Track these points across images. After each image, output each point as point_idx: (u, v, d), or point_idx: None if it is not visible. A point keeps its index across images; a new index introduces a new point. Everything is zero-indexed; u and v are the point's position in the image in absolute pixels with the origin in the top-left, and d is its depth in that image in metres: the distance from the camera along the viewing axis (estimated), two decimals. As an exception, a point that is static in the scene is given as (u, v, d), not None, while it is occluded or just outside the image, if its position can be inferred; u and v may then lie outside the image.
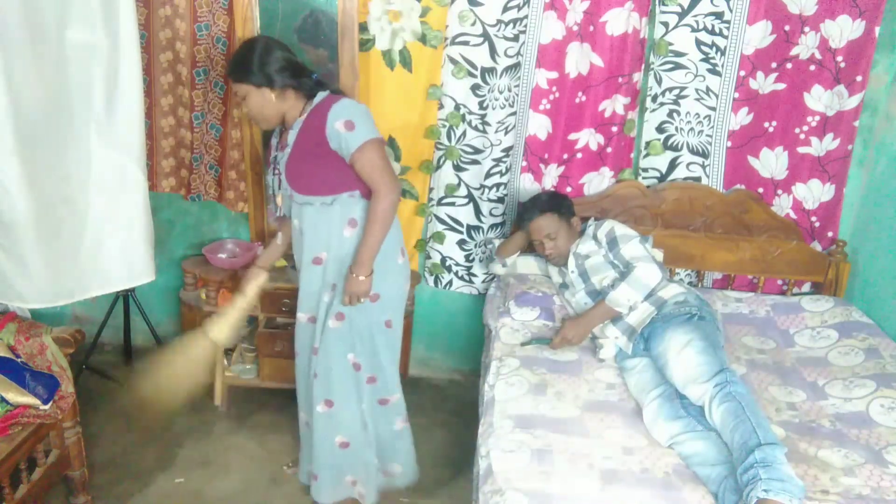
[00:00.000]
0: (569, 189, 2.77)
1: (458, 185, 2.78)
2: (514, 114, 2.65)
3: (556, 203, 2.48)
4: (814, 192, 2.67)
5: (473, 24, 2.52)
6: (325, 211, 2.02)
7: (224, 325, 2.22)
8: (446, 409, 2.97)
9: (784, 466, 1.62)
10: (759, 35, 2.49)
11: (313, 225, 2.05)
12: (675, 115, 2.66)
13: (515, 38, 2.53)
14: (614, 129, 2.68)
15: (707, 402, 1.86)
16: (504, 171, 2.73)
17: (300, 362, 2.28)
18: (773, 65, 2.54)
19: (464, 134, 2.69)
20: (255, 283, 2.27)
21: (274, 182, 2.16)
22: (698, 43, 2.54)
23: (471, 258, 2.90)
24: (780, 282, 2.78)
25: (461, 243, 2.88)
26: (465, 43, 2.56)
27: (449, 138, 2.73)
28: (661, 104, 2.66)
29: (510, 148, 2.70)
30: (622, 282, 2.23)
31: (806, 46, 2.50)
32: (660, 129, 2.70)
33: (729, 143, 2.66)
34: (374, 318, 2.10)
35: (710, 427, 1.85)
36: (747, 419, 1.75)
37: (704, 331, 2.08)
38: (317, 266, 2.09)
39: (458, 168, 2.76)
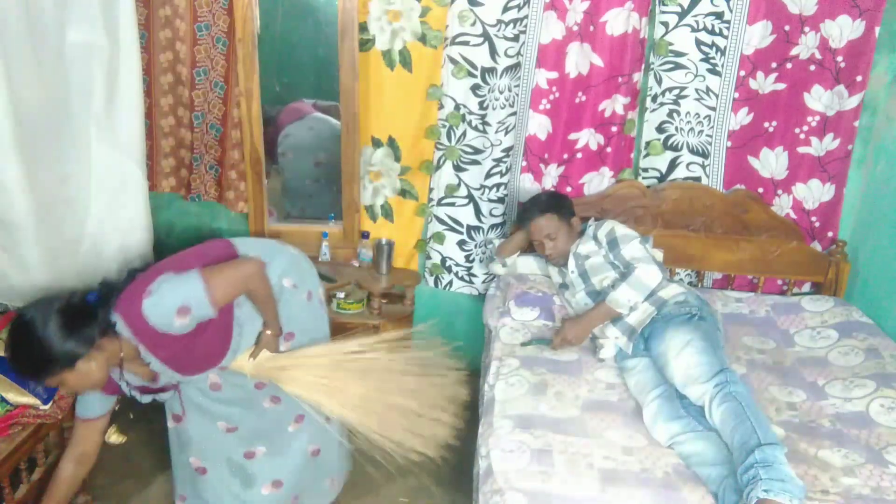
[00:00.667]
0: (569, 189, 2.77)
1: (459, 185, 2.78)
2: (514, 114, 2.65)
3: (557, 203, 2.48)
4: (814, 192, 2.67)
5: (473, 24, 2.52)
6: (242, 344, 1.84)
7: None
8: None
9: (784, 466, 1.62)
10: (759, 35, 2.49)
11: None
12: (675, 115, 2.66)
13: (515, 38, 2.53)
14: (614, 129, 2.68)
15: (707, 402, 1.86)
16: (504, 171, 2.73)
17: None
18: (773, 65, 2.54)
19: (464, 134, 2.69)
20: None
21: (145, 399, 1.86)
22: (698, 43, 2.54)
23: (471, 258, 2.90)
24: (780, 282, 2.78)
25: (461, 244, 2.88)
26: (465, 43, 2.56)
27: (449, 138, 2.73)
28: (661, 104, 2.66)
29: (510, 148, 2.70)
30: (623, 282, 2.23)
31: (806, 46, 2.50)
32: (660, 129, 2.70)
33: (729, 143, 2.66)
34: None
35: (709, 427, 1.85)
36: (747, 419, 1.75)
37: (704, 331, 2.08)
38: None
39: (458, 168, 2.76)
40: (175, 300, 1.59)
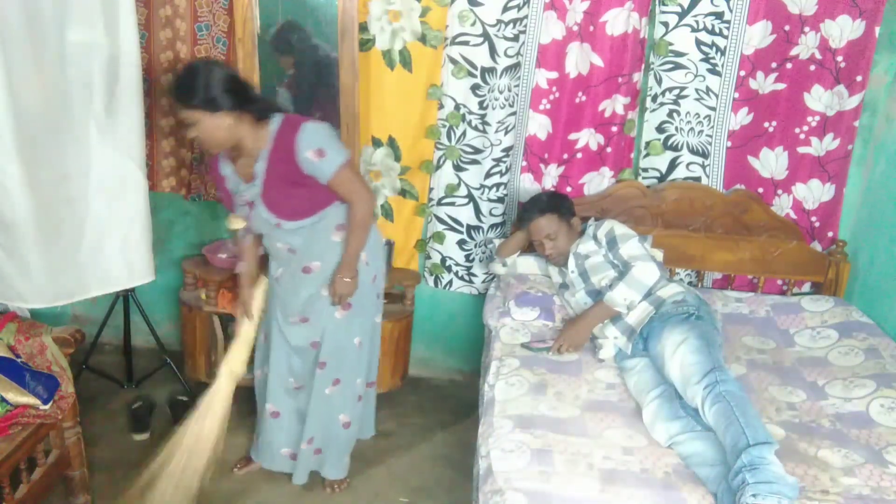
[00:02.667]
0: (569, 189, 2.77)
1: (459, 185, 2.78)
2: (514, 114, 2.65)
3: (557, 203, 2.48)
4: (814, 192, 2.67)
5: (473, 24, 2.52)
6: (316, 228, 2.09)
7: (240, 357, 2.29)
8: (446, 409, 2.97)
9: (772, 466, 1.61)
10: (759, 35, 2.49)
11: (307, 244, 2.12)
12: (675, 115, 2.66)
13: (515, 38, 2.53)
14: (614, 129, 2.68)
15: (699, 403, 1.86)
16: (504, 171, 2.73)
17: (278, 358, 2.33)
18: (773, 65, 2.54)
19: (464, 134, 2.69)
20: (256, 303, 2.30)
21: (242, 212, 2.15)
22: (698, 43, 2.54)
23: (471, 258, 2.90)
24: (780, 282, 2.78)
25: (461, 243, 2.88)
26: (465, 43, 2.56)
27: (449, 138, 2.73)
28: (661, 104, 2.66)
29: (510, 148, 2.70)
30: (620, 281, 2.23)
31: (806, 46, 2.50)
32: (660, 129, 2.70)
33: (729, 143, 2.66)
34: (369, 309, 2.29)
35: (708, 427, 1.85)
36: (736, 420, 1.74)
37: (700, 329, 2.07)
38: (306, 275, 2.16)
39: (458, 168, 2.76)
40: (322, 142, 1.95)
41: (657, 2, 2.52)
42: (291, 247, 2.13)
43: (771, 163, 2.67)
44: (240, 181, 2.09)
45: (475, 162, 2.73)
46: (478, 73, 2.58)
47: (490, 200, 2.78)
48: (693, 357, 1.96)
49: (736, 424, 1.73)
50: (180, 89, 1.90)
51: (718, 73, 2.57)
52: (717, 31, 2.52)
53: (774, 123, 2.62)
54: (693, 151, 2.69)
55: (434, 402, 3.01)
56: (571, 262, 2.43)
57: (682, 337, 2.03)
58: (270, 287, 2.30)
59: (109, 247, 2.26)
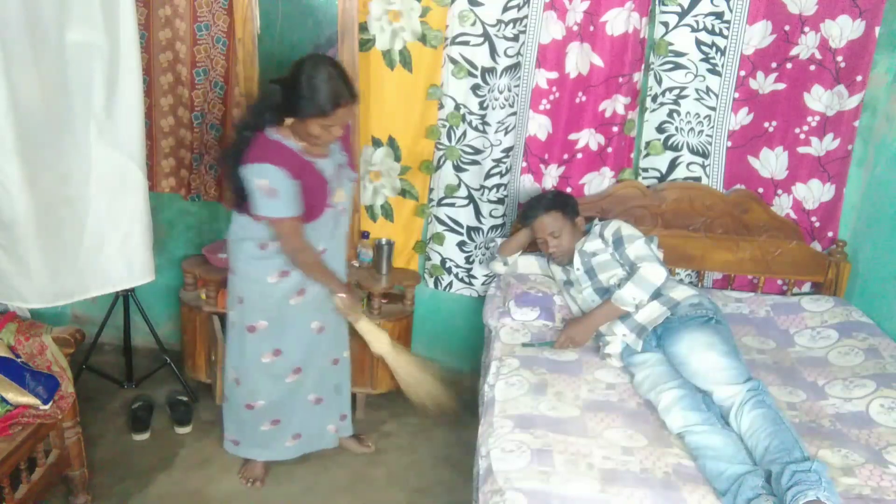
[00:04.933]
0: (569, 189, 2.77)
1: (459, 185, 2.78)
2: (514, 114, 2.65)
3: (561, 202, 2.49)
4: (814, 193, 2.67)
5: (473, 24, 2.52)
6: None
7: (379, 338, 2.33)
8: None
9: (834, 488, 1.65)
10: (759, 35, 2.49)
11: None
12: (675, 115, 2.66)
13: (515, 38, 2.53)
14: (615, 129, 2.68)
15: (738, 403, 1.88)
16: (504, 171, 2.73)
17: (318, 343, 2.38)
18: (773, 65, 2.54)
19: (464, 134, 2.69)
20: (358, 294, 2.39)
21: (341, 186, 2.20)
22: (698, 43, 2.54)
23: (470, 260, 2.90)
24: (780, 282, 2.78)
25: (461, 245, 2.87)
26: (466, 43, 2.56)
27: (449, 138, 2.73)
28: (661, 104, 2.66)
29: (510, 148, 2.70)
30: (628, 281, 2.23)
31: (806, 46, 2.50)
32: (660, 129, 2.70)
33: (729, 143, 2.66)
34: None
35: (728, 427, 1.87)
36: (788, 430, 1.78)
37: (724, 335, 2.12)
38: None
39: (458, 168, 2.76)
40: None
41: (657, 2, 2.52)
42: (341, 233, 2.27)
43: (771, 163, 2.67)
44: (317, 160, 2.11)
45: (475, 162, 2.73)
46: (478, 73, 2.58)
47: (490, 201, 2.78)
48: (728, 361, 2.00)
49: (787, 434, 1.76)
50: (356, 90, 2.00)
51: (718, 73, 2.57)
52: (717, 31, 2.51)
53: (775, 123, 2.62)
54: (693, 151, 2.69)
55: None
56: (577, 260, 2.43)
57: (710, 340, 2.06)
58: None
59: (109, 247, 2.26)
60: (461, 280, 2.95)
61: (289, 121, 2.00)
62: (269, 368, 2.30)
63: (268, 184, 1.98)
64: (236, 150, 2.05)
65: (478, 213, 2.81)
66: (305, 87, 1.92)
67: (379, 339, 2.31)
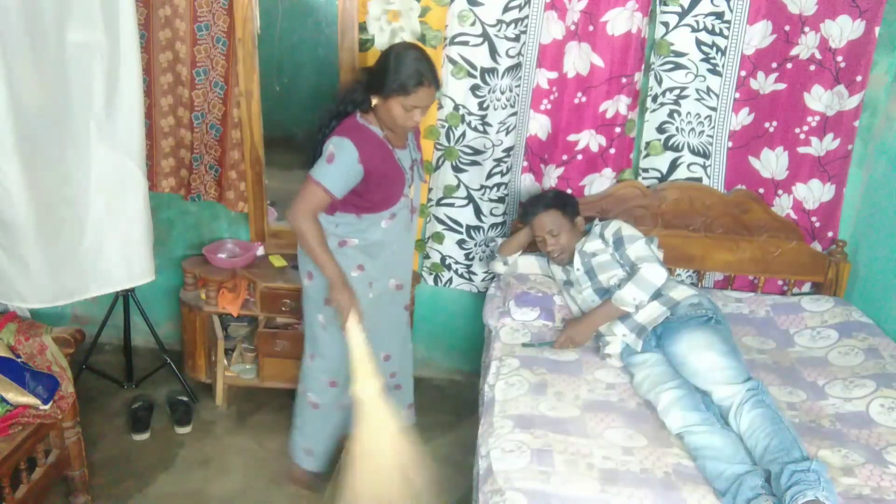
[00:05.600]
0: (569, 190, 2.77)
1: (458, 186, 2.78)
2: (514, 114, 2.65)
3: (561, 201, 2.49)
4: (814, 193, 2.67)
5: (473, 24, 2.52)
6: None
7: (365, 376, 2.09)
8: (446, 409, 2.97)
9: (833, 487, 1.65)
10: (759, 35, 2.49)
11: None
12: (675, 115, 2.66)
13: (516, 39, 2.53)
14: (617, 129, 2.67)
15: (737, 403, 1.88)
16: (505, 171, 2.73)
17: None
18: (774, 65, 2.54)
19: (463, 135, 2.69)
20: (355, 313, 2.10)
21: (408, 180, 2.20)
22: (699, 43, 2.54)
23: (470, 256, 2.90)
24: (780, 282, 2.78)
25: (461, 242, 2.87)
26: (465, 43, 2.56)
27: (448, 139, 2.72)
28: (662, 104, 2.66)
29: (511, 148, 2.70)
30: (628, 281, 2.24)
31: (806, 46, 2.50)
32: (660, 130, 2.70)
33: (730, 144, 2.66)
34: None
35: (727, 427, 1.87)
36: (787, 430, 1.78)
37: (724, 335, 2.12)
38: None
39: (457, 169, 2.75)
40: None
41: (658, 2, 2.52)
42: (417, 206, 2.28)
43: (771, 163, 2.67)
44: (397, 151, 2.14)
45: (475, 163, 2.73)
46: (477, 73, 2.58)
47: (491, 200, 2.78)
48: (727, 360, 2.00)
49: (787, 433, 1.77)
50: (439, 76, 2.05)
51: (719, 74, 2.57)
52: (718, 31, 2.51)
53: (775, 123, 2.61)
54: (694, 152, 2.69)
55: (434, 402, 3.01)
56: (577, 261, 2.43)
57: (710, 340, 2.06)
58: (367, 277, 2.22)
59: (109, 247, 2.26)
60: (461, 276, 2.95)
61: (374, 100, 2.04)
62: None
63: (333, 151, 2.00)
64: (322, 134, 2.10)
65: (478, 212, 2.81)
66: (392, 62, 1.98)
67: (365, 373, 2.07)
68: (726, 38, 2.52)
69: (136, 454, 2.61)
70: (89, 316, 3.16)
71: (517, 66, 2.59)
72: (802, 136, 2.61)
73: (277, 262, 2.89)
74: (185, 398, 2.90)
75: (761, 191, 2.71)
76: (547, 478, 1.70)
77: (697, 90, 2.61)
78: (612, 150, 2.71)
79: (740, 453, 1.78)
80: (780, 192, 2.71)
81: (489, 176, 2.72)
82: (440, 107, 2.69)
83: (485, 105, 2.63)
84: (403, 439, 2.14)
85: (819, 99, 2.55)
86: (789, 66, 2.53)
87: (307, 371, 2.36)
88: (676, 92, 2.62)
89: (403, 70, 1.96)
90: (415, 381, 3.15)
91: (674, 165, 2.73)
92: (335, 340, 2.21)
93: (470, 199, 2.79)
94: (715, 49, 2.54)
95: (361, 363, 2.08)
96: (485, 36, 2.53)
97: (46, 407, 2.09)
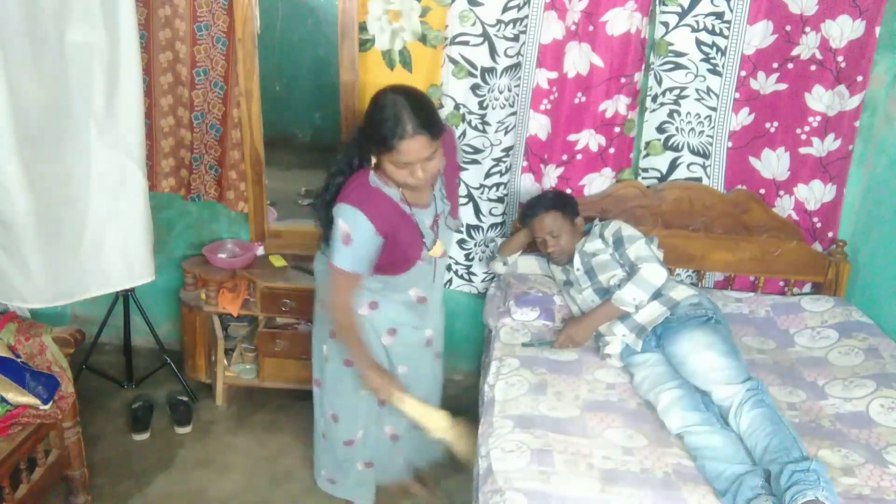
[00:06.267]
0: (569, 190, 2.77)
1: (458, 185, 2.78)
2: (514, 114, 2.65)
3: (561, 202, 2.49)
4: (815, 193, 2.67)
5: (473, 24, 2.52)
6: None
7: (433, 421, 1.94)
8: (446, 409, 2.97)
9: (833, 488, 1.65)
10: (759, 35, 2.49)
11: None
12: (675, 115, 2.66)
13: (516, 38, 2.53)
14: (616, 129, 2.67)
15: (737, 403, 1.88)
16: (504, 170, 2.73)
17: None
18: (774, 65, 2.54)
19: (464, 134, 2.69)
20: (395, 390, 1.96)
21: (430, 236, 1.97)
22: (699, 43, 2.54)
23: (470, 257, 2.90)
24: (780, 282, 2.78)
25: (461, 242, 2.87)
26: (465, 43, 2.56)
27: (449, 138, 2.72)
28: (662, 104, 2.66)
29: (510, 148, 2.70)
30: (629, 281, 2.24)
31: (807, 46, 2.50)
32: (660, 130, 2.70)
33: (730, 144, 2.66)
34: None
35: (727, 427, 1.87)
36: (787, 430, 1.78)
37: (724, 335, 2.11)
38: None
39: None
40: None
41: (657, 2, 2.52)
42: (448, 252, 2.10)
43: (772, 163, 2.67)
44: (417, 211, 1.92)
45: (475, 162, 2.73)
46: (478, 73, 2.58)
47: (490, 200, 2.78)
48: (727, 360, 1.99)
49: (786, 433, 1.76)
50: (433, 120, 1.71)
51: (719, 74, 2.57)
52: (718, 31, 2.51)
53: (776, 124, 2.61)
54: (694, 152, 2.69)
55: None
56: (577, 261, 2.43)
57: (710, 339, 2.06)
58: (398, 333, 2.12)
59: (109, 247, 2.26)
60: (461, 277, 2.95)
61: (374, 162, 1.80)
62: (366, 400, 2.14)
63: (348, 231, 1.79)
64: (328, 194, 1.90)
65: (477, 211, 2.81)
66: (371, 114, 1.73)
67: (432, 419, 1.94)
68: (726, 38, 2.52)
69: (136, 454, 2.61)
70: (89, 316, 3.16)
71: (516, 65, 2.59)
72: (804, 137, 2.61)
73: (277, 262, 2.89)
74: (185, 398, 2.90)
75: (762, 191, 2.71)
76: (547, 478, 1.70)
77: (697, 90, 2.61)
78: (612, 150, 2.71)
79: (740, 453, 1.78)
80: (781, 192, 2.70)
81: (487, 175, 2.72)
82: (440, 106, 2.69)
83: (485, 104, 2.63)
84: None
85: (820, 99, 2.55)
86: (790, 66, 2.53)
87: (315, 397, 2.27)
88: (676, 92, 2.62)
89: (381, 121, 1.68)
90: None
91: (673, 165, 2.73)
92: (337, 374, 2.12)
93: (470, 198, 2.79)
94: (715, 49, 2.54)
95: (423, 416, 1.93)
96: (485, 36, 2.53)
97: (46, 407, 2.09)
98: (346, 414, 2.18)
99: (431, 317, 2.18)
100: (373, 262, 1.87)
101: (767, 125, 2.62)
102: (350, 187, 1.83)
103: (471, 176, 2.76)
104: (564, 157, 2.74)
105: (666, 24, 2.53)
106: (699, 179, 2.72)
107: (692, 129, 2.66)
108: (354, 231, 1.79)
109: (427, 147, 1.69)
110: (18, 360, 2.13)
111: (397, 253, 1.89)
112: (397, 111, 1.67)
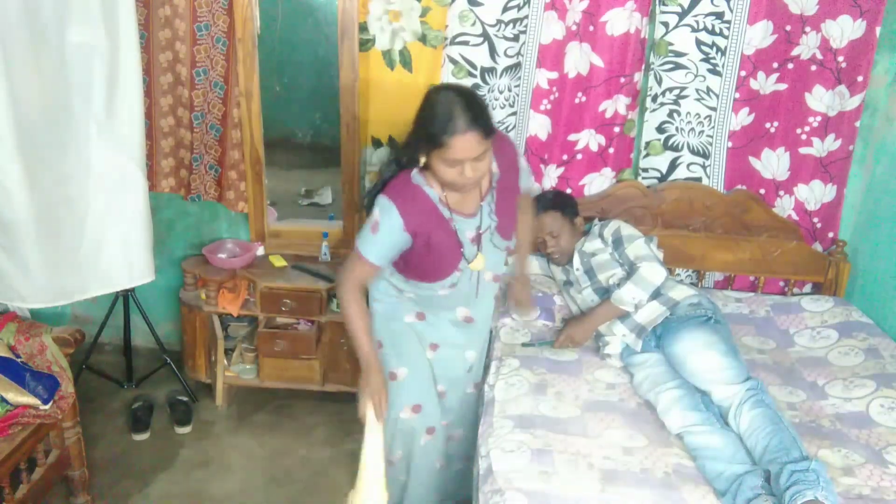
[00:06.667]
0: (569, 190, 2.77)
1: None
2: (514, 114, 2.65)
3: (561, 202, 2.49)
4: (815, 194, 2.67)
5: (473, 24, 2.52)
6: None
7: (371, 486, 1.83)
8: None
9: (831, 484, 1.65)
10: (759, 35, 2.49)
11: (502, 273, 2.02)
12: (675, 115, 2.66)
13: (516, 39, 2.53)
14: (616, 129, 2.67)
15: (737, 403, 1.88)
16: (504, 171, 2.73)
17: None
18: (775, 65, 2.54)
19: (464, 134, 2.69)
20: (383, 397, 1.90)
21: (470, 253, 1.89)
22: (698, 43, 2.54)
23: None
24: (780, 282, 2.78)
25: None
26: (465, 43, 2.56)
27: (449, 138, 2.72)
28: (662, 104, 2.66)
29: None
30: (627, 281, 2.24)
31: (807, 46, 2.50)
32: (660, 130, 2.70)
33: (730, 144, 2.66)
34: None
35: (727, 427, 1.87)
36: (787, 430, 1.78)
37: (724, 335, 2.11)
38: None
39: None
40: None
41: (657, 2, 2.52)
42: (497, 273, 1.99)
43: (772, 164, 2.67)
44: (459, 219, 1.85)
45: (475, 162, 2.72)
46: (478, 73, 2.58)
47: (490, 200, 2.77)
48: (727, 360, 1.99)
49: (786, 433, 1.76)
50: (485, 118, 1.67)
51: (719, 74, 2.57)
52: (718, 31, 2.51)
53: (776, 124, 2.61)
54: (693, 152, 2.69)
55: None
56: (577, 260, 2.43)
57: (710, 339, 2.05)
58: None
59: (109, 247, 2.26)
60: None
61: (422, 159, 1.75)
62: (405, 426, 2.03)
63: (378, 219, 1.78)
64: (375, 189, 1.86)
65: (478, 213, 2.80)
66: (423, 111, 1.71)
67: (370, 486, 1.82)
68: (726, 38, 2.52)
69: (136, 454, 2.61)
70: (89, 316, 3.16)
71: (516, 65, 2.59)
72: (804, 137, 2.61)
73: (277, 261, 2.89)
74: (185, 398, 2.90)
75: (762, 191, 2.71)
76: (547, 478, 1.70)
77: (697, 90, 2.61)
78: (612, 150, 2.71)
79: (740, 453, 1.78)
80: (781, 192, 2.70)
81: (489, 176, 2.72)
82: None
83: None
84: None
85: (820, 99, 2.55)
86: (790, 66, 2.53)
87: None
88: (676, 92, 2.62)
89: (433, 118, 1.66)
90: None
91: (673, 165, 2.73)
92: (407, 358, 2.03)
93: (470, 199, 2.79)
94: (715, 49, 2.54)
95: (369, 468, 1.82)
96: (485, 36, 2.53)
97: (46, 407, 2.09)
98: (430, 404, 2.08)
99: (476, 338, 2.13)
100: (394, 258, 1.86)
101: (767, 125, 2.62)
102: (393, 182, 1.82)
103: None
104: (564, 157, 2.74)
105: (666, 24, 2.53)
106: (699, 179, 2.72)
107: (692, 129, 2.66)
108: (383, 222, 1.78)
109: (479, 145, 1.65)
110: (18, 360, 2.13)
111: (431, 256, 1.85)
112: (450, 107, 1.64)
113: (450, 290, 1.92)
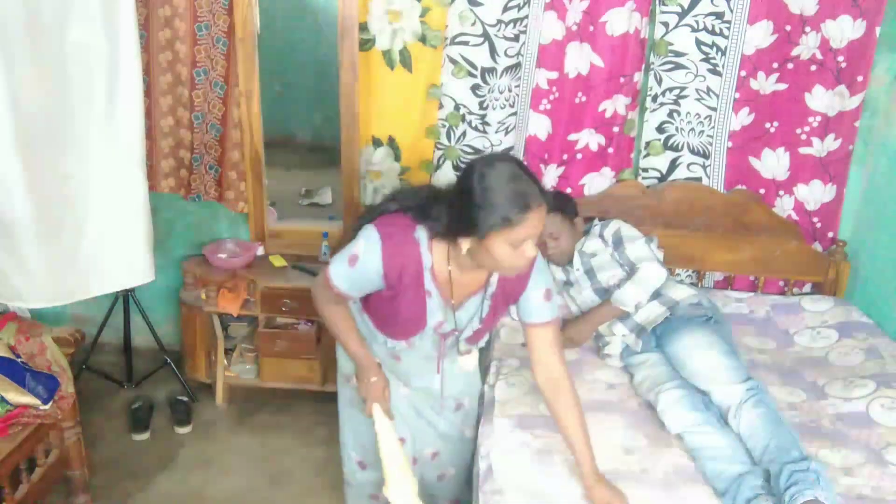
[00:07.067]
0: (569, 190, 2.77)
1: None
2: (514, 114, 2.65)
3: (561, 203, 2.48)
4: (815, 194, 2.67)
5: (473, 24, 2.52)
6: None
7: (397, 477, 1.73)
8: (446, 409, 2.97)
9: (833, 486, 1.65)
10: (759, 35, 2.49)
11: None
12: (675, 115, 2.66)
13: (516, 38, 2.53)
14: (616, 129, 2.67)
15: (737, 403, 1.88)
16: (504, 171, 2.72)
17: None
18: (775, 65, 2.54)
19: (464, 134, 2.69)
20: (385, 393, 1.81)
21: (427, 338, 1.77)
22: (698, 43, 2.54)
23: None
24: (780, 282, 2.78)
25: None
26: (465, 43, 2.56)
27: (448, 138, 2.72)
28: (662, 104, 2.66)
29: (510, 148, 2.70)
30: (628, 281, 2.23)
31: (807, 46, 2.50)
32: (660, 130, 2.70)
33: (730, 144, 2.66)
34: None
35: (727, 427, 1.87)
36: (786, 430, 1.78)
37: (724, 335, 2.11)
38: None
39: (457, 168, 2.75)
40: (550, 282, 1.75)
41: (657, 2, 2.52)
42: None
43: (772, 164, 2.67)
44: (440, 304, 1.69)
45: (475, 162, 2.72)
46: (478, 73, 2.58)
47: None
48: (728, 360, 1.99)
49: (787, 434, 1.76)
50: (558, 194, 1.61)
51: (719, 74, 2.57)
52: (718, 31, 2.51)
53: (776, 124, 2.61)
54: (693, 152, 2.69)
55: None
56: (577, 261, 2.43)
57: (710, 340, 2.05)
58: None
59: (109, 247, 2.26)
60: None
61: (465, 243, 1.52)
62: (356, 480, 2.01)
63: (359, 254, 1.61)
64: (372, 214, 1.71)
65: (478, 212, 2.80)
66: (479, 192, 1.46)
67: (399, 475, 1.72)
68: (726, 38, 2.52)
69: (136, 454, 2.61)
70: (89, 316, 3.15)
71: (516, 65, 2.59)
72: (804, 137, 2.61)
73: (277, 261, 2.89)
74: (185, 398, 2.90)
75: (762, 191, 2.71)
76: (547, 478, 1.70)
77: (697, 90, 2.61)
78: (612, 150, 2.71)
79: (740, 453, 1.78)
80: (781, 192, 2.70)
81: (489, 176, 2.72)
82: (441, 106, 2.69)
83: (485, 105, 2.63)
84: None
85: (820, 99, 2.55)
86: (790, 66, 2.53)
87: (339, 439, 2.07)
88: (676, 92, 2.62)
89: (500, 198, 1.44)
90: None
91: (673, 165, 2.73)
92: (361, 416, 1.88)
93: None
94: (715, 49, 2.54)
95: (391, 459, 1.73)
96: (485, 36, 2.53)
97: (46, 407, 2.09)
98: (372, 465, 1.98)
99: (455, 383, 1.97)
100: (364, 293, 1.72)
101: (767, 125, 2.62)
102: (395, 223, 1.63)
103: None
104: (564, 157, 2.74)
105: (666, 24, 2.53)
106: (699, 179, 2.72)
107: (692, 129, 2.66)
108: (363, 259, 1.61)
109: (544, 215, 1.50)
110: (18, 360, 2.13)
111: (395, 316, 1.72)
112: (519, 181, 1.46)
113: (408, 349, 1.79)
